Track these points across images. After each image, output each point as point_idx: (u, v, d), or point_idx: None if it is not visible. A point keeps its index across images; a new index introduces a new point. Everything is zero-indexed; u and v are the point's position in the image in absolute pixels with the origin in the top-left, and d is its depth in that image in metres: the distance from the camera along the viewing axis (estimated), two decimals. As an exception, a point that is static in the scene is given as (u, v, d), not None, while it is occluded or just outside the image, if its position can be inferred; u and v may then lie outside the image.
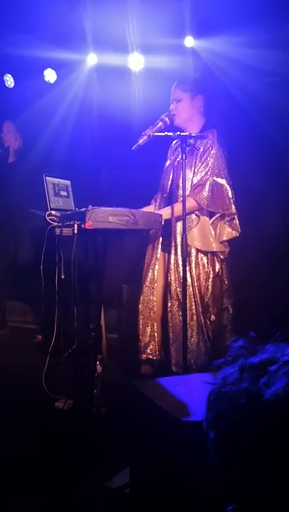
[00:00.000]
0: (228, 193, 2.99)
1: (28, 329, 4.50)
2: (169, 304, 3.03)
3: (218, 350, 2.97)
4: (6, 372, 3.42)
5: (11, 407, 2.92)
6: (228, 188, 2.98)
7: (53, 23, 3.97)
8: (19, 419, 2.78)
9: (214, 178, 2.98)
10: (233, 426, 0.76)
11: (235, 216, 3.03)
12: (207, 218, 3.04)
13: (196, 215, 3.02)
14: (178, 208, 2.93)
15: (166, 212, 3.02)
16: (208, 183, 2.97)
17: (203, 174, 2.98)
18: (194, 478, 1.51)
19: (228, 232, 3.04)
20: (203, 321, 2.97)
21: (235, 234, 3.04)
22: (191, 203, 2.93)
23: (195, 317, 2.96)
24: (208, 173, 2.98)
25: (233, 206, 2.99)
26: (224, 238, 3.04)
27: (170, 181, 3.15)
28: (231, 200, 2.99)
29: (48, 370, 3.02)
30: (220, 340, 3.04)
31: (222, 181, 2.98)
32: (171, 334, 3.01)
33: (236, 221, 3.04)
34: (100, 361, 2.96)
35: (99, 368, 2.93)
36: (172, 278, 3.02)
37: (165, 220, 2.97)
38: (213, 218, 3.05)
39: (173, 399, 1.72)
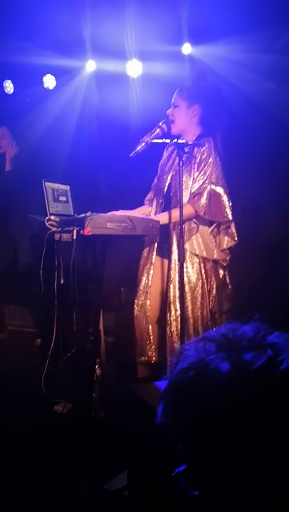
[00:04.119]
0: (225, 201, 3.00)
1: (27, 333, 4.52)
2: (167, 309, 3.04)
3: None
4: (5, 375, 3.44)
5: (10, 410, 2.94)
6: (226, 196, 3.01)
7: (52, 30, 4.00)
8: (18, 422, 2.80)
9: (212, 186, 3.00)
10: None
11: (231, 224, 3.05)
12: (206, 227, 3.08)
13: (194, 223, 3.05)
14: (175, 213, 2.95)
15: (163, 218, 3.03)
16: (206, 192, 2.99)
17: (201, 183, 3.00)
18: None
19: (227, 241, 3.07)
20: (201, 328, 2.97)
21: (233, 242, 3.08)
22: (189, 210, 2.96)
23: (192, 321, 2.98)
24: (206, 181, 3.00)
25: (230, 214, 3.01)
26: (224, 247, 3.07)
27: (166, 187, 3.17)
28: (228, 209, 3.01)
29: (47, 374, 3.05)
30: None
31: (220, 190, 3.00)
32: (167, 339, 3.03)
33: (232, 229, 3.06)
34: (99, 365, 2.98)
35: (98, 372, 2.96)
36: (170, 284, 3.04)
37: (162, 225, 3.00)
38: (212, 227, 3.08)
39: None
